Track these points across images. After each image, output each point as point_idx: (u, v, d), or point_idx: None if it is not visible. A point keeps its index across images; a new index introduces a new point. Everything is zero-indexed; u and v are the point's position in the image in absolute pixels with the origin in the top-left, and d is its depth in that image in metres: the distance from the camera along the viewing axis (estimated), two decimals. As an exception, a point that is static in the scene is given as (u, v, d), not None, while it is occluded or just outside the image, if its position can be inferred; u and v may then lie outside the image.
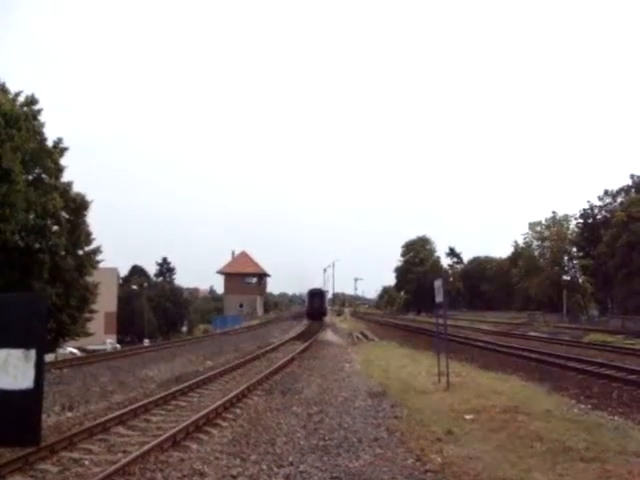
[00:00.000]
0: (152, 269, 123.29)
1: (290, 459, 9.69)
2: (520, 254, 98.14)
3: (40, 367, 8.35)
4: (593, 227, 76.74)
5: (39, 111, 35.33)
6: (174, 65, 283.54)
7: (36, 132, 34.36)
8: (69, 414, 14.17)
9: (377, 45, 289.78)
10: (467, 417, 12.28)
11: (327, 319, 73.18)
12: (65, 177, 36.89)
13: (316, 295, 78.64)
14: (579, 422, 11.75)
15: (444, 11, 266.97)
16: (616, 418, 12.44)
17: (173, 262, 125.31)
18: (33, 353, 8.07)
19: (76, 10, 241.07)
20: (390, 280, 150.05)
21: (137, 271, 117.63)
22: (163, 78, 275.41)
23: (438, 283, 18.23)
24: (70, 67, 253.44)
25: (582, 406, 13.95)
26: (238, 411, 13.92)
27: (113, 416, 12.82)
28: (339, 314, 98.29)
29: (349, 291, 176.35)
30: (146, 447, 9.92)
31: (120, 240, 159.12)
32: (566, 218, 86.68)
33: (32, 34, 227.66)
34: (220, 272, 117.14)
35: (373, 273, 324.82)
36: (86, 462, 9.60)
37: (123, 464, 8.91)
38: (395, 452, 9.92)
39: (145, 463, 9.27)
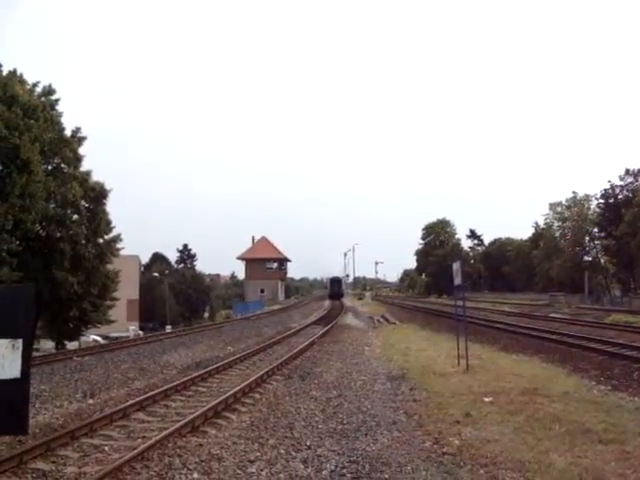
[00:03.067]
0: (173, 256, 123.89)
1: (308, 443, 9.73)
2: (541, 235, 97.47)
3: (27, 357, 8.41)
4: (614, 207, 75.68)
5: (57, 101, 35.50)
6: (192, 55, 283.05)
7: (54, 122, 34.51)
8: (90, 401, 14.35)
9: (389, 35, 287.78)
10: (486, 399, 12.24)
11: (348, 303, 74.80)
12: (84, 166, 37.05)
13: (335, 282, 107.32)
14: (598, 404, 11.69)
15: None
16: (636, 399, 12.30)
17: (194, 249, 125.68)
18: (20, 343, 8.11)
19: (78, 9, 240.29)
20: (411, 263, 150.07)
21: (158, 258, 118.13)
22: (180, 66, 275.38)
23: (456, 265, 18.16)
24: (86, 56, 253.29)
25: (602, 387, 13.86)
26: (257, 396, 13.98)
27: (133, 402, 12.95)
28: (360, 298, 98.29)
29: (370, 275, 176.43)
30: (165, 433, 9.99)
31: (141, 228, 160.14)
32: (587, 198, 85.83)
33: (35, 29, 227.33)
34: (241, 258, 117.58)
35: (394, 256, 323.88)
36: (106, 448, 9.68)
37: (142, 450, 9.00)
38: (413, 435, 9.92)
39: (164, 449, 9.35)
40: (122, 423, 11.53)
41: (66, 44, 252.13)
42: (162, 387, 15.08)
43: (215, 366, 18.75)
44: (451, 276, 18.27)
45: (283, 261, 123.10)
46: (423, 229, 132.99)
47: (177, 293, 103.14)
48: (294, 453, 9.20)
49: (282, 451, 9.29)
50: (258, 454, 9.14)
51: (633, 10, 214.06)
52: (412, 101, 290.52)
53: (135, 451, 8.94)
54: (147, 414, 12.40)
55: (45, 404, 13.83)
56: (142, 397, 13.58)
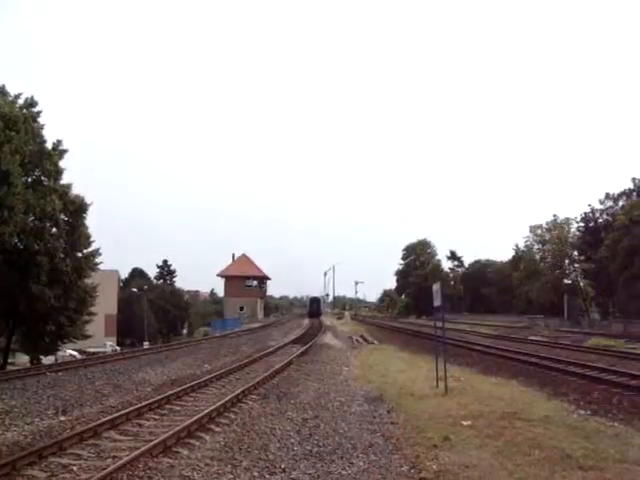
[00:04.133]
0: (153, 272, 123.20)
1: (282, 466, 9.52)
2: (521, 257, 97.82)
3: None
4: (594, 230, 76.28)
5: (39, 113, 35.32)
6: (174, 69, 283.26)
7: (35, 134, 34.32)
8: (62, 418, 14.06)
9: (375, 51, 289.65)
10: (464, 423, 12.09)
11: (327, 322, 74.93)
12: (64, 179, 36.85)
13: (314, 301, 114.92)
14: (578, 429, 11.56)
15: (445, 14, 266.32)
16: (616, 424, 12.20)
17: (173, 265, 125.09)
18: None
19: (75, 11, 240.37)
20: (391, 283, 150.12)
21: (138, 273, 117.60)
22: (162, 83, 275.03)
23: (436, 286, 18.08)
24: (68, 70, 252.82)
25: (582, 412, 13.74)
26: (232, 416, 13.74)
27: (105, 420, 12.66)
28: (339, 317, 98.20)
29: (350, 294, 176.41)
30: (136, 453, 9.74)
31: (121, 243, 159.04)
32: (567, 221, 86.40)
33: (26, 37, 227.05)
34: (220, 275, 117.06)
35: (374, 276, 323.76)
36: (74, 468, 9.42)
37: (111, 470, 8.75)
38: (390, 459, 9.74)
39: (134, 469, 9.10)
40: (93, 442, 11.24)
41: (48, 53, 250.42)
42: (136, 405, 14.80)
43: (191, 384, 18.48)
44: (431, 297, 18.18)
45: (263, 279, 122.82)
46: (403, 249, 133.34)
47: (156, 309, 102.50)
48: (268, 476, 8.99)
49: (255, 473, 9.07)
50: (231, 476, 8.93)
51: (619, 35, 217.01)
52: (394, 122, 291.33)
53: (104, 471, 8.68)
54: (119, 433, 12.12)
55: (15, 421, 13.54)
56: (115, 415, 13.30)
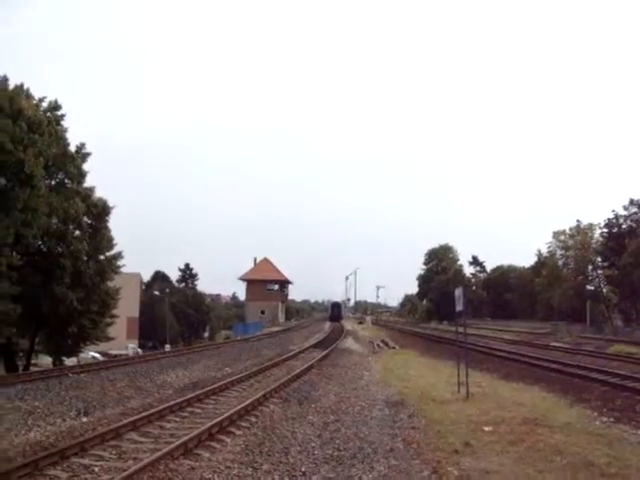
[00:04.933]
0: (175, 275, 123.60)
1: (303, 469, 9.53)
2: (544, 263, 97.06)
3: None
4: (618, 237, 75.45)
5: (62, 116, 35.64)
6: (187, 67, 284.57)
7: (59, 137, 34.63)
8: (84, 419, 14.15)
9: (380, 50, 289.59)
10: (486, 429, 12.02)
11: (349, 327, 74.57)
12: (87, 182, 37.14)
13: (335, 306, 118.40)
14: (601, 436, 11.46)
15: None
16: (639, 432, 12.09)
17: (195, 268, 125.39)
18: None
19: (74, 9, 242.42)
20: (413, 288, 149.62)
21: (160, 277, 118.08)
22: (178, 81, 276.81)
23: (459, 292, 18.01)
24: (83, 71, 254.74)
25: (604, 419, 13.60)
26: (253, 419, 13.75)
27: (127, 422, 12.71)
28: (360, 322, 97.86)
29: (371, 299, 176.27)
30: (157, 454, 9.78)
31: (144, 246, 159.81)
32: (590, 227, 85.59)
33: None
34: (242, 279, 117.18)
35: (395, 281, 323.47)
36: (96, 469, 9.49)
37: (132, 471, 8.78)
38: (410, 464, 9.70)
39: (155, 471, 9.13)
40: (114, 443, 11.30)
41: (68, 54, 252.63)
42: (157, 407, 14.84)
43: (212, 387, 18.51)
44: (452, 302, 18.11)
45: (284, 283, 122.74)
46: (426, 254, 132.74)
47: (177, 312, 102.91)
48: (288, 479, 8.98)
49: (276, 477, 9.10)
50: (251, 479, 8.92)
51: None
52: (415, 122, 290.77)
53: (125, 473, 8.73)
54: (140, 434, 12.17)
55: (37, 421, 13.63)
56: (136, 417, 13.35)
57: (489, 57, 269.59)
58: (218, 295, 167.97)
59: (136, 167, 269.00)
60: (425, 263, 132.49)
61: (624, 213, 76.54)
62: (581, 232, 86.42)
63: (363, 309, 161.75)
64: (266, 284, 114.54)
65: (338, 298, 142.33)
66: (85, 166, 36.98)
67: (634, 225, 73.17)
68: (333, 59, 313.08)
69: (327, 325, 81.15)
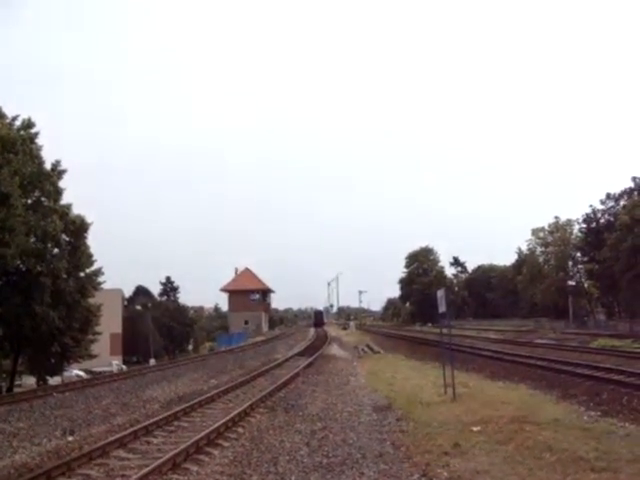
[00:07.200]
0: (156, 289, 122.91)
1: (292, 478, 9.47)
2: (524, 261, 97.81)
3: None
4: (597, 231, 76.26)
5: (36, 134, 35.31)
6: (174, 71, 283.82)
7: (34, 155, 34.32)
8: (70, 438, 13.98)
9: (378, 47, 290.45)
10: (474, 429, 12.02)
11: (333, 333, 74.93)
12: (64, 199, 36.86)
13: (318, 313, 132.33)
14: (589, 430, 11.49)
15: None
16: (627, 425, 12.11)
17: (177, 281, 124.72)
18: None
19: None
20: (395, 292, 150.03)
21: (141, 291, 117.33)
22: (157, 85, 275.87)
23: (441, 293, 18.08)
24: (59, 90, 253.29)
25: (592, 413, 13.66)
26: (240, 430, 13.66)
27: (113, 439, 12.57)
28: (344, 328, 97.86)
29: (354, 304, 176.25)
30: (145, 470, 9.67)
31: (124, 262, 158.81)
32: (569, 223, 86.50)
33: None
34: (224, 289, 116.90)
35: (377, 285, 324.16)
36: (83, 488, 9.37)
37: (120, 490, 8.69)
38: (400, 467, 9.65)
39: (143, 488, 9.03)
40: (101, 461, 11.18)
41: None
42: (144, 422, 14.73)
43: (198, 400, 18.39)
44: (435, 304, 18.15)
45: (267, 292, 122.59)
46: (406, 257, 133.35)
47: (161, 326, 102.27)
48: (277, 489, 8.93)
49: (265, 487, 9.02)
50: (240, 491, 8.86)
51: (619, 35, 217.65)
52: (393, 122, 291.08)
53: (113, 491, 8.64)
54: (128, 451, 12.06)
55: (22, 442, 13.48)
56: (123, 433, 13.23)
57: (469, 57, 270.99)
58: (201, 307, 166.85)
59: (117, 183, 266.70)
60: (406, 266, 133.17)
61: (601, 207, 77.36)
62: (560, 228, 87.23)
63: (346, 315, 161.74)
64: (248, 294, 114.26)
65: (321, 304, 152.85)
66: (61, 183, 36.74)
67: (612, 219, 73.85)
68: (320, 58, 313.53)
69: (311, 332, 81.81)
